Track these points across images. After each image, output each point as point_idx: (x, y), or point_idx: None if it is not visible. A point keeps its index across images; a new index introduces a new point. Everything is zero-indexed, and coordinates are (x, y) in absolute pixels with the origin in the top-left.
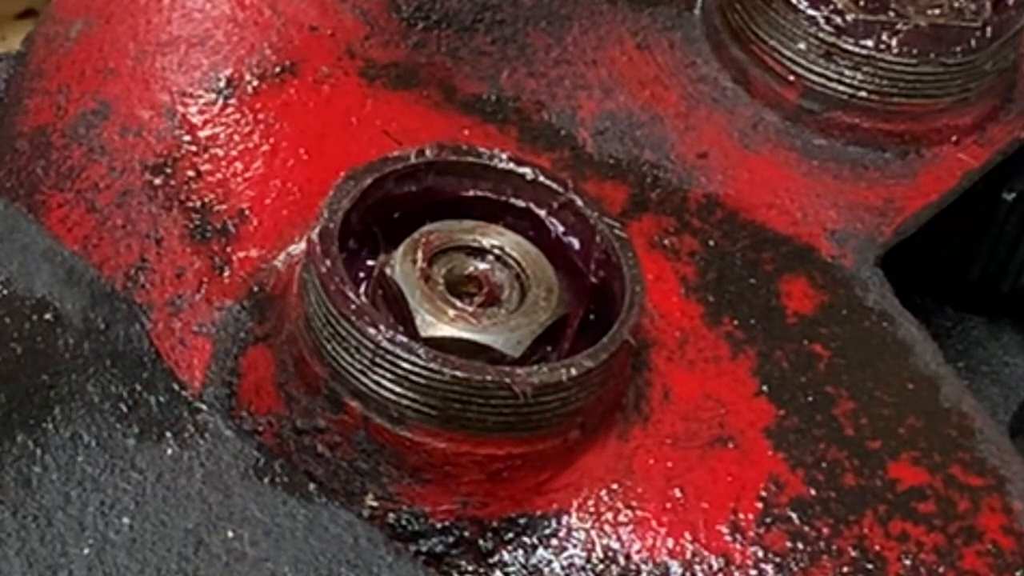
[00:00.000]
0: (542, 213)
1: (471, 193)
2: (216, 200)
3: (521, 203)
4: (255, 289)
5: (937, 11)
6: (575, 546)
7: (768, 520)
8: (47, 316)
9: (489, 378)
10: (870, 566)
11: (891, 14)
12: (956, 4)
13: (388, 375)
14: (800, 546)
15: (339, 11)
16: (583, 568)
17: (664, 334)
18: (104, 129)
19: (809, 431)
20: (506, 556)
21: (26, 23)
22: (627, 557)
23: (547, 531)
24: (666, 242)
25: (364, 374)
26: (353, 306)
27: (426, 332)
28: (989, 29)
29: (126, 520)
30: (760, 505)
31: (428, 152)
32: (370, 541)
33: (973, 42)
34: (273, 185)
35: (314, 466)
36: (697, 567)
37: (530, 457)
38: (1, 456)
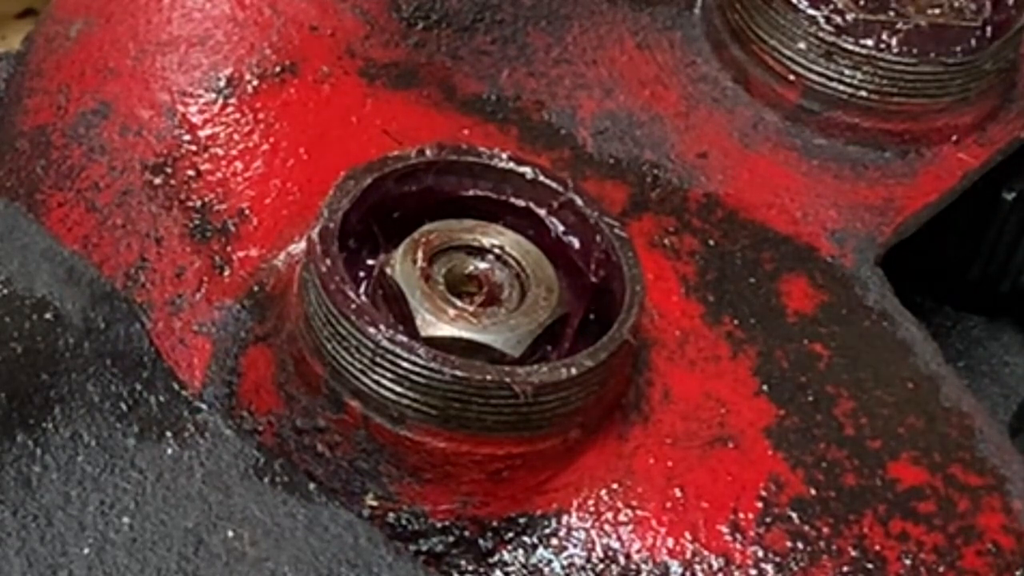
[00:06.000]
0: (542, 212)
1: (471, 193)
2: (216, 199)
3: (521, 203)
4: (255, 288)
5: (937, 11)
6: (575, 546)
7: (768, 520)
8: (47, 315)
9: (489, 378)
10: (870, 566)
11: (891, 14)
12: (956, 4)
13: (388, 374)
14: (800, 546)
15: (339, 11)
16: (583, 568)
17: (664, 334)
18: (104, 128)
19: (809, 431)
20: (506, 556)
21: (26, 22)
22: (627, 557)
23: (547, 531)
24: (666, 242)
25: (364, 373)
26: (353, 305)
27: (426, 331)
28: (989, 29)
29: (126, 520)
30: (760, 505)
31: (428, 152)
32: (370, 541)
33: (973, 42)
34: (273, 185)
35: (314, 466)
36: (697, 567)
37: (530, 457)
38: (1, 455)
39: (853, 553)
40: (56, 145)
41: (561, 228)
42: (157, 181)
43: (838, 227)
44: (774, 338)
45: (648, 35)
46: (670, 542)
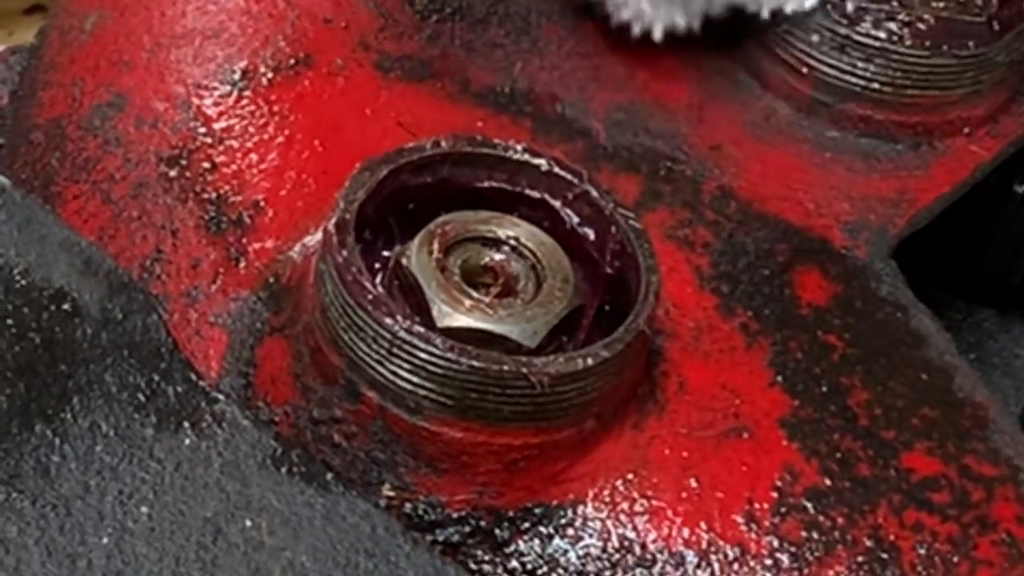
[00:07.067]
0: (557, 204)
1: (486, 184)
2: (231, 191)
3: (536, 194)
4: (271, 280)
5: (942, 4)
6: (591, 536)
7: (783, 510)
8: (65, 306)
9: (506, 368)
10: (885, 556)
11: (895, 3)
12: None
13: (405, 365)
14: (815, 536)
15: (353, 3)
16: (599, 558)
17: (679, 325)
18: (119, 121)
19: (823, 421)
20: (522, 546)
21: (33, 19)
22: (643, 547)
23: (563, 521)
24: (680, 233)
25: (381, 364)
26: (370, 296)
27: (442, 322)
28: (996, 23)
29: (144, 509)
30: (775, 495)
31: (443, 143)
32: (387, 530)
33: (984, 35)
34: (288, 176)
35: (331, 456)
36: (712, 557)
37: (546, 447)
38: (20, 446)
39: (868, 543)
40: (71, 138)
41: (576, 219)
42: (172, 173)
43: (851, 219)
44: (788, 329)
45: None
46: (686, 532)
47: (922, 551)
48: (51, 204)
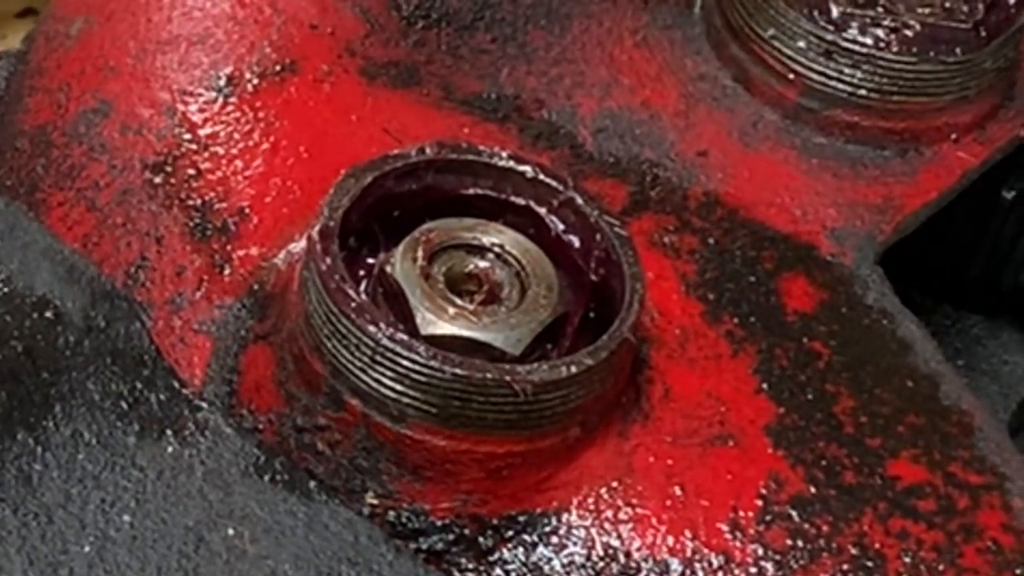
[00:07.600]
0: (542, 211)
1: (471, 191)
2: (216, 198)
3: (521, 201)
4: (255, 287)
5: (927, 10)
6: (575, 544)
7: (768, 518)
8: (47, 314)
9: (489, 376)
10: (870, 564)
11: (880, 9)
12: (947, 4)
13: (388, 373)
14: (800, 544)
15: (339, 9)
16: (583, 566)
17: (664, 332)
18: (104, 127)
19: (809, 429)
20: (506, 554)
21: (25, 22)
22: (627, 555)
23: (547, 529)
24: (666, 240)
25: (364, 372)
26: (353, 304)
27: (426, 330)
28: (982, 29)
29: (127, 518)
30: (760, 503)
31: (428, 150)
32: (370, 539)
33: (971, 41)
34: (273, 183)
35: (314, 464)
36: (697, 565)
37: (530, 455)
38: (2, 454)
39: (853, 551)
40: (56, 144)
41: (561, 226)
42: (157, 180)
43: (838, 226)
44: (774, 337)
45: (648, 34)
46: (670, 540)
47: (907, 559)
48: (36, 211)
